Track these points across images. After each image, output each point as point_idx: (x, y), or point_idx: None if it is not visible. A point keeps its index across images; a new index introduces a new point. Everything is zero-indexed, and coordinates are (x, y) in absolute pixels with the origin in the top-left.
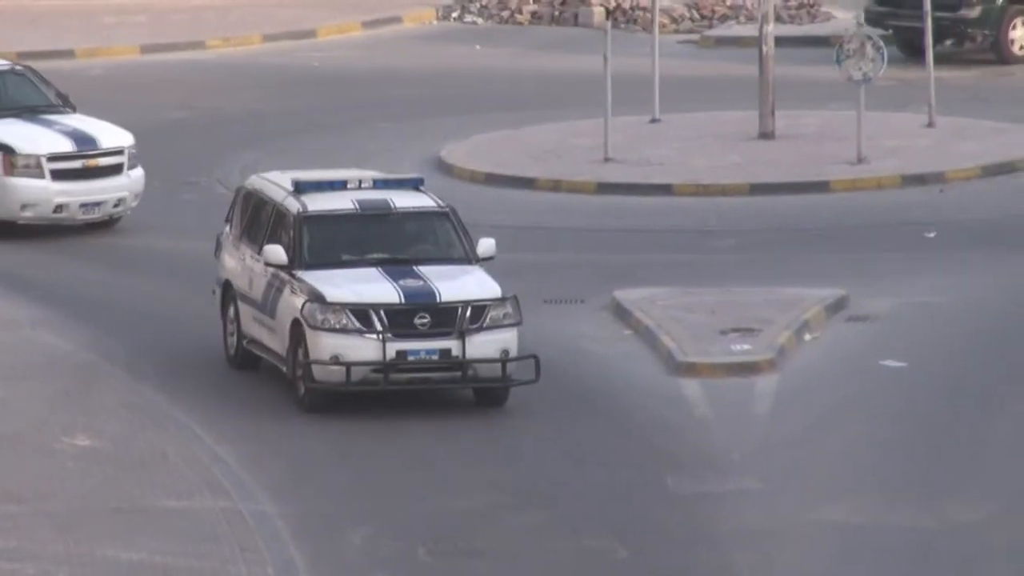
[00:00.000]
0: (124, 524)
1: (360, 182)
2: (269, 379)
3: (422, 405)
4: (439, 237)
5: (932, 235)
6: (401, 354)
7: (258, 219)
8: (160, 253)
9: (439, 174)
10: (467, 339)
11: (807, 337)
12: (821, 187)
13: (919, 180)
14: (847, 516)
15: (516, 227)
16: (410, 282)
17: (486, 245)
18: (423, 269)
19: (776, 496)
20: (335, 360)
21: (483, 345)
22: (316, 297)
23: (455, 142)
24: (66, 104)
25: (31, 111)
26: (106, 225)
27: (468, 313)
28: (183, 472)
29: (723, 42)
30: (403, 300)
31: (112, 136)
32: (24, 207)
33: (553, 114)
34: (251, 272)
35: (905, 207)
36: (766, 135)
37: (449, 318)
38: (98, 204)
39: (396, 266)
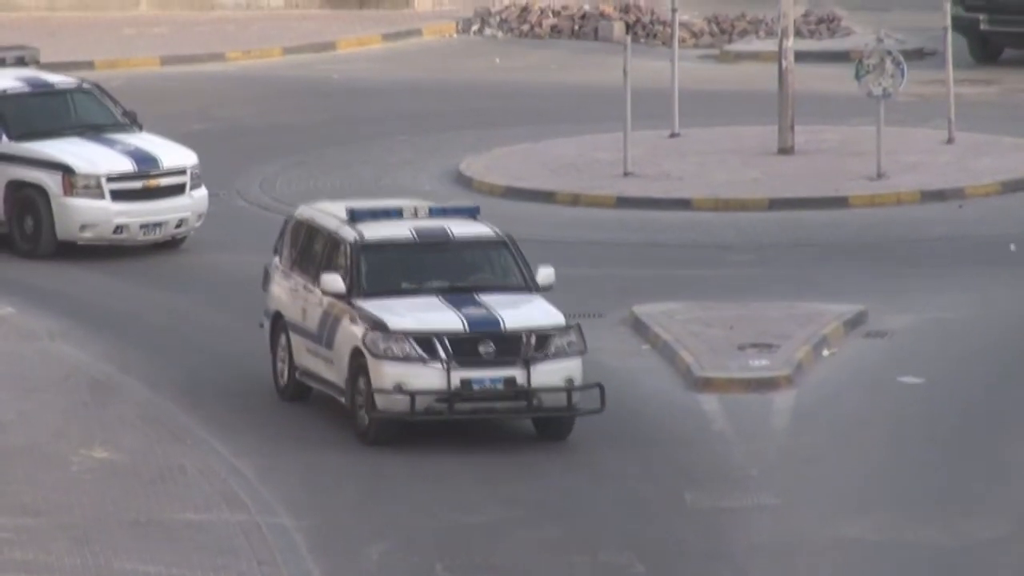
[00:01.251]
0: (141, 537)
1: (416, 210)
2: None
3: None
4: (498, 265)
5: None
6: (466, 383)
7: (310, 249)
8: (181, 266)
9: (458, 187)
10: (532, 367)
11: (825, 353)
12: (840, 202)
13: (938, 196)
14: (864, 533)
15: (535, 241)
16: (473, 310)
17: (545, 273)
18: (484, 298)
19: (793, 512)
20: (399, 389)
21: (548, 374)
22: (378, 325)
23: (474, 155)
24: (133, 122)
25: (95, 129)
26: (170, 246)
27: (533, 341)
28: (200, 485)
29: (743, 57)
30: (467, 328)
31: (175, 156)
32: (83, 227)
33: (573, 128)
34: (304, 302)
35: (924, 223)
36: (785, 150)
37: (514, 346)
38: (159, 225)
39: (457, 294)
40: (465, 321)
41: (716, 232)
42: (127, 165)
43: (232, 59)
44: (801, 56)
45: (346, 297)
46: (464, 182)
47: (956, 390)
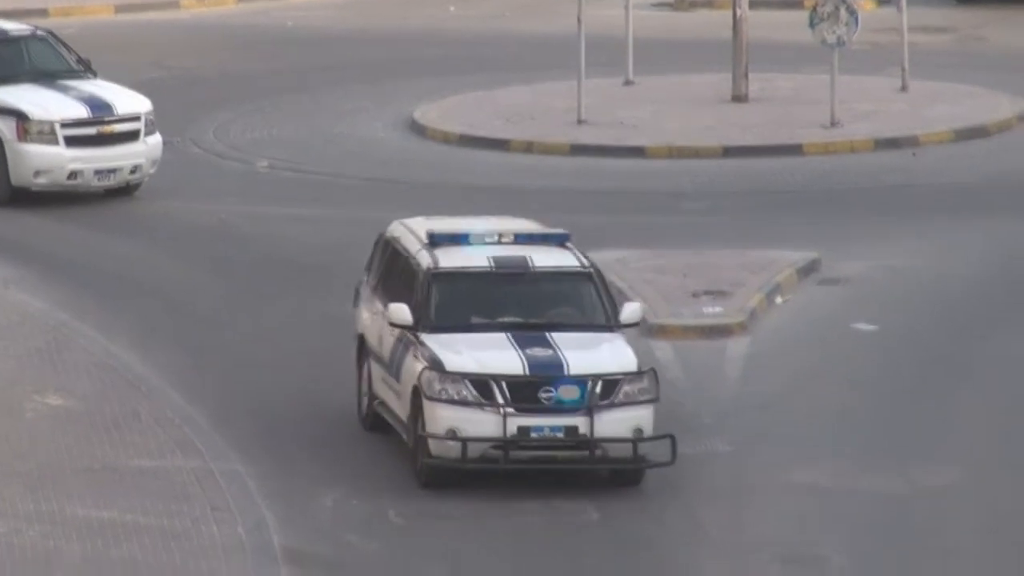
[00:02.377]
0: (95, 483)
1: (500, 236)
2: (240, 338)
3: None
4: (578, 300)
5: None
6: (523, 430)
7: (392, 271)
8: (135, 213)
9: (413, 135)
10: (596, 416)
11: (779, 300)
12: (794, 150)
13: (892, 144)
14: (817, 479)
15: (489, 188)
16: (538, 351)
17: (631, 310)
18: (556, 336)
19: (746, 459)
20: (451, 435)
21: (614, 423)
22: (435, 364)
23: (429, 103)
24: (87, 70)
25: (50, 76)
26: (125, 192)
27: (599, 388)
28: (155, 432)
29: (697, 4)
30: (528, 371)
31: (129, 102)
32: (38, 174)
33: (527, 76)
34: (381, 328)
35: (878, 171)
36: (739, 98)
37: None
38: (113, 171)
39: (527, 332)
40: (527, 363)
41: (670, 180)
42: (81, 111)
43: (186, 7)
44: (755, 4)
45: (413, 329)
46: (418, 130)
47: (910, 337)
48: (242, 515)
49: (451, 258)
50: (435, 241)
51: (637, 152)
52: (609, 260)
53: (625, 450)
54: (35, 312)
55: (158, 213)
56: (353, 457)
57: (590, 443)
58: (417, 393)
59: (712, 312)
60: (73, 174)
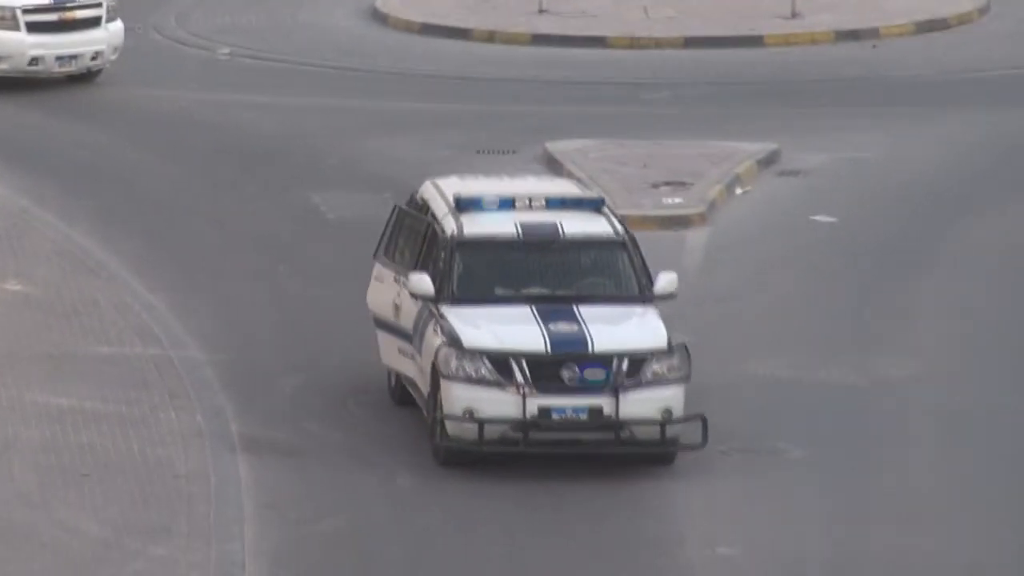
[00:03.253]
0: (54, 370)
1: (530, 200)
2: (200, 224)
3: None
4: (610, 270)
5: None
6: (544, 411)
7: (415, 232)
8: (96, 100)
9: (375, 24)
10: (621, 396)
11: (738, 191)
12: (755, 41)
13: (853, 36)
14: (776, 370)
15: (450, 77)
16: (562, 326)
17: (665, 280)
18: (584, 310)
19: (705, 350)
20: (468, 415)
21: (640, 403)
22: (453, 340)
23: None
24: None
25: None
26: (86, 79)
27: (624, 365)
28: (114, 319)
29: None
30: (549, 349)
31: None
32: None
33: None
34: (396, 296)
35: (838, 63)
36: None
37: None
38: (74, 57)
39: (553, 305)
40: (549, 340)
41: (630, 70)
42: None
43: None
44: None
45: (434, 301)
46: (380, 18)
47: (868, 229)
48: (200, 403)
49: (477, 224)
50: (461, 205)
51: (598, 42)
52: (569, 150)
53: (653, 432)
54: None
55: (119, 100)
56: (312, 345)
57: (615, 425)
58: (435, 371)
59: (672, 203)
60: (34, 60)
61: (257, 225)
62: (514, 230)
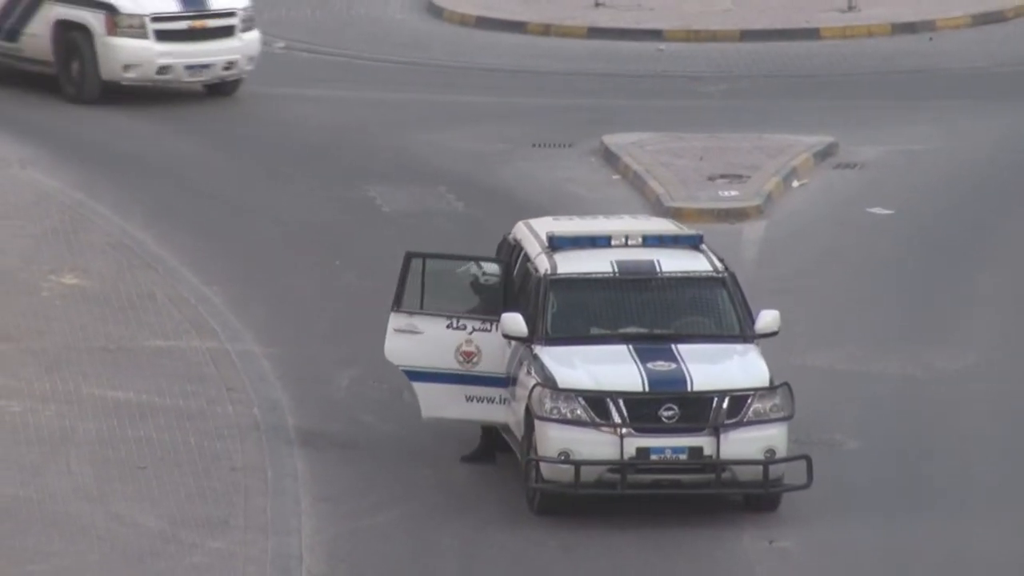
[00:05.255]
0: (110, 363)
1: (626, 238)
2: (256, 218)
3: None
4: (710, 308)
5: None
6: (642, 452)
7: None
8: (151, 93)
9: (430, 17)
10: (722, 436)
11: (795, 184)
12: (811, 34)
13: (909, 28)
14: (833, 363)
15: (506, 71)
16: (660, 365)
17: (767, 319)
18: (682, 348)
19: (761, 342)
20: (564, 457)
21: (742, 443)
22: (547, 380)
23: None
24: None
25: None
26: (222, 90)
27: (725, 405)
28: (170, 312)
29: None
30: (647, 388)
31: None
32: (127, 67)
33: None
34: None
35: (895, 55)
36: None
37: (702, 410)
38: (206, 66)
39: (650, 344)
40: (646, 379)
41: (687, 63)
42: (172, 5)
43: None
44: None
45: (527, 341)
46: (435, 11)
47: (925, 221)
48: (257, 395)
49: (571, 263)
50: (555, 244)
51: (654, 35)
52: (625, 143)
53: (755, 472)
54: (51, 191)
55: (171, 92)
56: (368, 337)
57: (716, 465)
58: (529, 412)
59: (728, 195)
60: (163, 68)
61: (312, 218)
62: (609, 268)
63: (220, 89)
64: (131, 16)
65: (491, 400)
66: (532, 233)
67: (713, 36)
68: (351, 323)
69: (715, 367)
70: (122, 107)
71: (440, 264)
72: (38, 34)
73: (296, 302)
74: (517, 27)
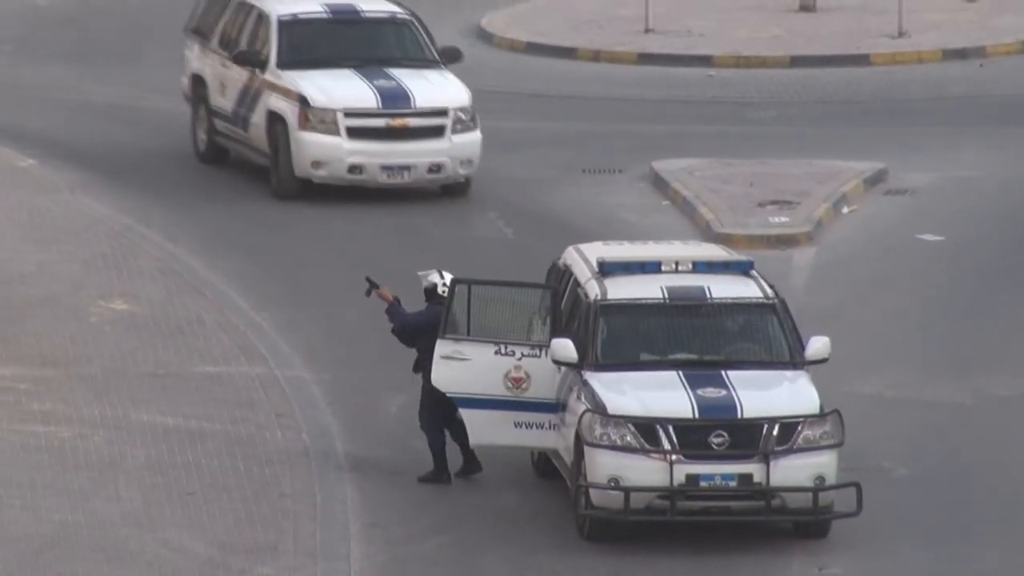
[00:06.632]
0: (159, 389)
1: (677, 264)
2: (304, 243)
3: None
4: (760, 334)
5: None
6: (692, 479)
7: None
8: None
9: (480, 43)
10: (772, 463)
11: (845, 210)
12: (861, 60)
13: (960, 55)
14: (881, 389)
15: (556, 96)
16: (711, 392)
17: (818, 345)
18: (732, 375)
19: (810, 368)
20: (613, 483)
21: (792, 470)
22: (597, 407)
23: (496, 11)
24: (451, 60)
25: (386, 63)
26: (451, 190)
27: (775, 431)
28: (219, 337)
29: None
30: (697, 414)
31: (435, 96)
32: (316, 164)
33: None
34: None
35: (945, 81)
36: (807, 7)
37: (752, 437)
38: (406, 168)
39: (701, 370)
40: (696, 405)
41: (737, 89)
42: (370, 101)
43: None
44: None
45: (577, 367)
46: (485, 38)
47: (975, 248)
48: (306, 422)
49: (621, 288)
50: (605, 270)
51: (704, 61)
52: (675, 169)
53: (805, 500)
54: (100, 217)
55: None
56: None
57: (766, 492)
58: (579, 438)
59: (778, 222)
60: (354, 168)
61: (362, 243)
62: (660, 294)
63: (452, 190)
64: (323, 110)
65: (540, 426)
66: (582, 258)
67: (763, 62)
68: (400, 349)
69: (765, 394)
70: (163, 131)
71: (487, 291)
72: (258, 123)
73: (345, 327)
74: (567, 53)
